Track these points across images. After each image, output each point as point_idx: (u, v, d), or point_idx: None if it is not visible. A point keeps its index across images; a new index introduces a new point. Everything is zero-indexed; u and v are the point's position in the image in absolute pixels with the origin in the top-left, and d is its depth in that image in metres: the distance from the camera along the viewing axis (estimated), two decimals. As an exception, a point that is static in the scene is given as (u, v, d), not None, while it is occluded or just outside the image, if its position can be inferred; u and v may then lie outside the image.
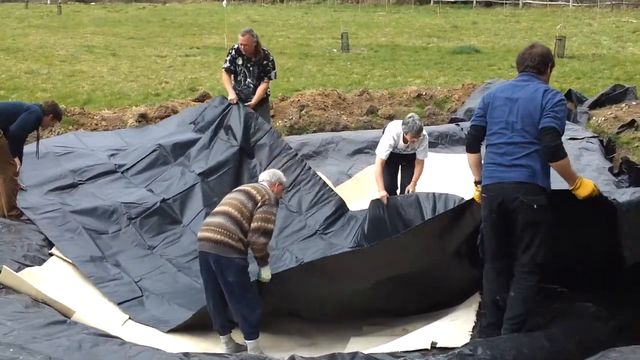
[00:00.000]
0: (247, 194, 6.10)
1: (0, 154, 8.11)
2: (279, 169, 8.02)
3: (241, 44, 9.60)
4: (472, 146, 5.53)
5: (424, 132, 8.38)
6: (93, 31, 29.99)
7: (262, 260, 6.16)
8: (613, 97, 13.00)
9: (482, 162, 5.41)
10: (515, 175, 5.02)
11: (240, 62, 9.79)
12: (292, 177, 9.00)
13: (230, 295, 6.01)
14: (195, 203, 8.96)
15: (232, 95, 9.73)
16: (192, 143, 9.74)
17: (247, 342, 6.16)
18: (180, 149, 9.74)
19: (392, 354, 5.11)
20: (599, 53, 22.26)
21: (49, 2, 49.94)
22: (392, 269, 6.33)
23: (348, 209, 8.84)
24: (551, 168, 5.10)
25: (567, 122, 11.31)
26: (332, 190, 9.05)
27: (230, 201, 6.10)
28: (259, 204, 6.00)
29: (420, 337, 5.78)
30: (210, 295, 6.22)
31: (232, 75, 9.96)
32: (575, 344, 4.88)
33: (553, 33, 24.96)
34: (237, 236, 5.94)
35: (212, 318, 6.28)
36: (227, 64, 9.87)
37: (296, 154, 9.39)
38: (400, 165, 8.67)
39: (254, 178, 8.72)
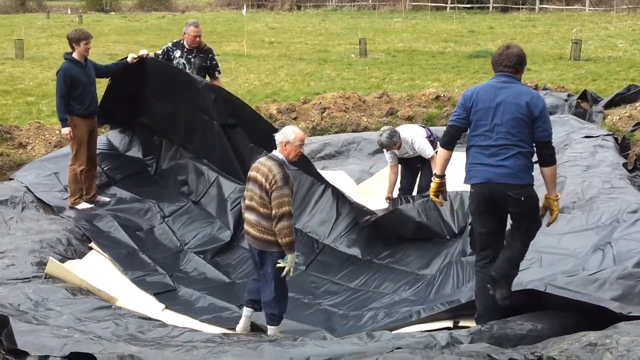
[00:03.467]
0: (258, 183, 6.07)
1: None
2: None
3: (193, 36, 9.38)
4: (449, 144, 5.68)
5: (405, 135, 8.67)
6: (115, 40, 30.54)
7: (288, 247, 6.08)
8: (627, 96, 13.29)
9: (467, 161, 5.62)
10: (502, 177, 5.29)
11: (178, 54, 9.52)
12: None
13: (266, 284, 6.30)
14: (219, 195, 9.29)
15: (142, 52, 9.45)
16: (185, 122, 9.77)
17: (269, 327, 6.40)
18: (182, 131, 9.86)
19: (419, 332, 5.44)
20: (614, 56, 22.49)
21: (69, 12, 50.75)
22: None
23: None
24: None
25: (582, 120, 11.77)
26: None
27: (254, 196, 6.13)
28: (269, 192, 5.98)
29: (441, 320, 6.13)
30: (259, 277, 6.50)
31: None
32: (586, 319, 5.16)
33: (569, 37, 25.22)
34: (272, 230, 6.06)
35: (251, 291, 6.58)
36: (159, 52, 9.64)
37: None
38: (418, 166, 9.02)
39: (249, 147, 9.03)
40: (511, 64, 5.39)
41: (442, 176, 5.78)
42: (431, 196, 5.92)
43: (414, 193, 9.06)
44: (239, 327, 6.51)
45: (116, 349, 4.69)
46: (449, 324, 5.95)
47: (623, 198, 7.73)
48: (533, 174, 5.48)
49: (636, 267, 5.83)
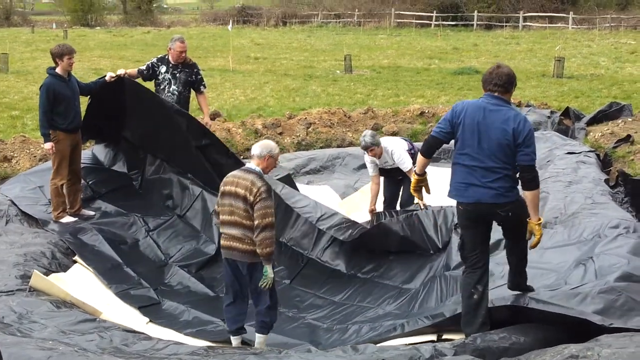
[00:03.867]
0: (240, 197, 6.09)
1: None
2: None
3: (179, 51, 9.50)
4: (428, 153, 5.81)
5: (387, 145, 8.86)
6: (100, 54, 30.56)
7: (266, 258, 6.10)
8: (609, 113, 13.49)
9: (451, 177, 5.74)
10: (490, 197, 5.45)
11: (164, 69, 9.60)
12: None
13: (259, 295, 6.30)
14: (204, 209, 9.31)
15: (121, 71, 9.33)
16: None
17: (258, 335, 6.41)
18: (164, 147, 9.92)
19: (403, 345, 5.47)
20: (597, 73, 22.75)
21: (54, 27, 50.74)
22: None
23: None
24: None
25: (565, 137, 11.90)
26: None
27: (236, 211, 6.14)
28: (253, 204, 6.02)
29: (425, 333, 6.17)
30: (233, 297, 6.46)
31: (155, 83, 9.74)
32: (568, 332, 5.21)
33: (552, 54, 25.49)
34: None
35: (230, 320, 6.52)
36: (143, 67, 9.67)
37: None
38: (400, 179, 9.14)
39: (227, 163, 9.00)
40: (501, 82, 5.47)
41: (422, 174, 5.92)
42: (411, 190, 6.09)
43: (397, 207, 9.16)
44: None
45: (101, 361, 4.70)
46: (433, 337, 5.99)
47: (605, 213, 7.83)
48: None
49: (618, 282, 5.92)
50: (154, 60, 9.70)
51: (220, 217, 6.31)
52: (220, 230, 6.41)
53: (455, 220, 8.15)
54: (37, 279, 6.86)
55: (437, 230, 8.28)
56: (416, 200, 8.62)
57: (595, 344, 4.41)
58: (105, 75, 9.29)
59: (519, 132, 5.35)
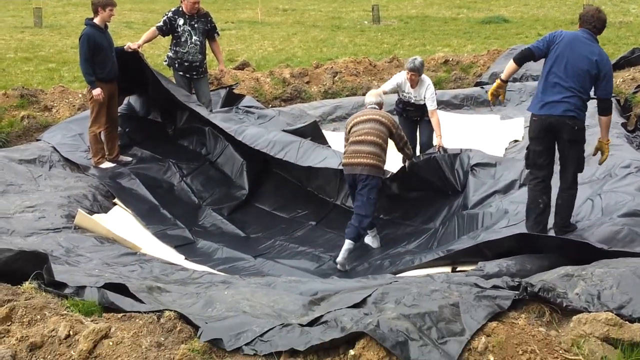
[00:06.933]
0: (383, 124, 7.76)
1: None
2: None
3: (193, 2, 9.87)
4: (520, 61, 6.61)
5: (426, 78, 9.11)
6: (130, 8, 30.72)
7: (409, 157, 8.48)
8: (632, 59, 13.55)
9: (537, 91, 6.53)
10: (563, 108, 6.26)
11: (181, 22, 9.96)
12: None
13: (365, 203, 7.59)
14: (235, 157, 9.83)
15: (135, 45, 9.67)
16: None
17: (348, 241, 7.56)
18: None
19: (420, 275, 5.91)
20: (626, 21, 22.57)
21: (84, -20, 50.91)
22: None
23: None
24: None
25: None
26: None
27: (376, 132, 7.69)
28: (393, 130, 7.85)
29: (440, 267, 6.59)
30: None
31: (172, 38, 10.14)
32: (572, 261, 5.54)
33: (582, 2, 25.29)
34: (383, 158, 7.73)
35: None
36: (161, 24, 10.03)
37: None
38: (417, 120, 9.40)
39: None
40: (599, 26, 6.39)
41: (505, 81, 6.77)
42: (489, 94, 6.88)
43: (417, 152, 9.42)
44: (341, 258, 7.49)
45: (144, 283, 5.19)
46: (448, 269, 6.38)
47: (618, 155, 8.11)
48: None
49: (622, 217, 6.30)
50: (169, 14, 10.04)
51: (352, 139, 7.73)
52: (350, 149, 7.72)
53: (472, 162, 8.55)
54: (81, 217, 7.38)
55: (454, 172, 8.63)
56: (435, 142, 9.06)
57: (590, 265, 4.80)
58: (124, 46, 9.69)
59: (602, 65, 6.25)
